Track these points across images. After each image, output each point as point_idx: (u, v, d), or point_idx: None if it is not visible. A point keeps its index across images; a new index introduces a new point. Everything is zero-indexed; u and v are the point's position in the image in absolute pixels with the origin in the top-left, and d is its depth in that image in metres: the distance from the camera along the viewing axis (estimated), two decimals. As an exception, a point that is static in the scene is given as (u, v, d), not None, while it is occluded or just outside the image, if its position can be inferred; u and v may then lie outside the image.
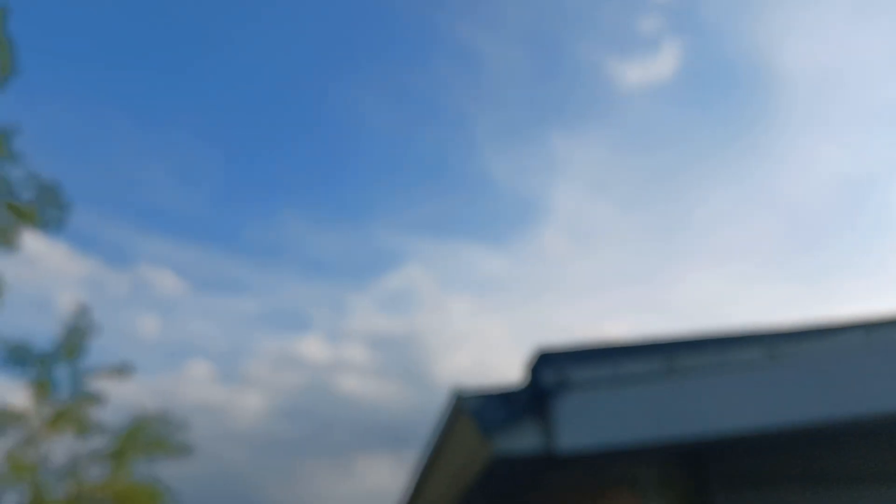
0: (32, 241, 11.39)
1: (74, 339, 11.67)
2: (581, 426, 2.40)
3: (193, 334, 32.68)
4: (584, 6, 36.63)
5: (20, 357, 11.37)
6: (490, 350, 39.40)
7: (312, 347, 36.05)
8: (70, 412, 11.47)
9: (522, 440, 2.40)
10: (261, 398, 32.64)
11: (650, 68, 36.65)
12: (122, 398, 12.09)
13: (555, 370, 2.44)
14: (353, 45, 35.72)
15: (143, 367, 12.08)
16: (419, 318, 38.66)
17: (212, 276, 35.66)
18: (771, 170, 39.13)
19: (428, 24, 34.76)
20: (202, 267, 34.86)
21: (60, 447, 11.54)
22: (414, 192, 39.06)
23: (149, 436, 11.63)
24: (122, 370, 11.71)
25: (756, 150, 37.80)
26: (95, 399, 11.52)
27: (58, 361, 11.57)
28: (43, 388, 11.41)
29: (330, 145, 38.73)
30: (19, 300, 12.09)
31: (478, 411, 2.56)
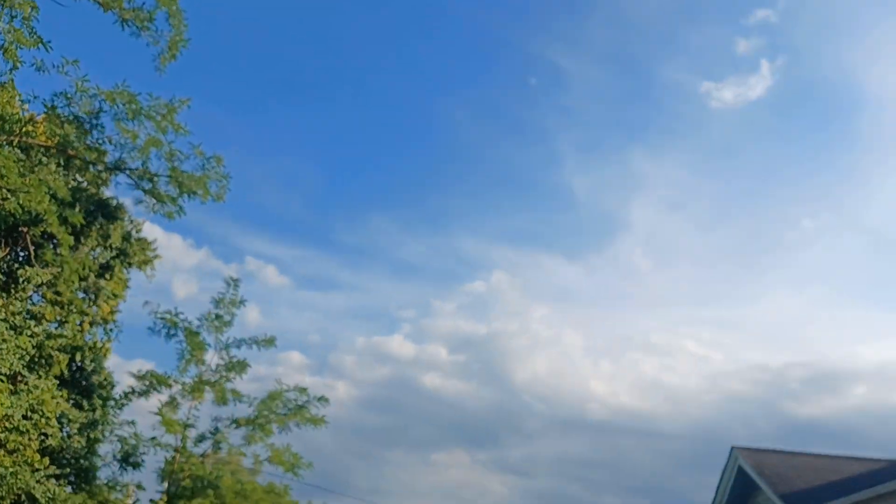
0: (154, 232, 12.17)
1: (222, 312, 12.40)
2: None
3: (290, 325, 33.83)
4: (673, 29, 35.76)
5: (172, 328, 12.18)
6: (565, 357, 38.60)
7: (398, 345, 36.43)
8: (210, 381, 12.13)
9: None
10: (348, 389, 33.28)
11: (740, 89, 35.10)
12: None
13: None
14: (454, 69, 36.49)
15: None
16: (499, 323, 38.18)
17: (309, 274, 36.78)
18: (860, 195, 36.44)
19: (522, 48, 35.07)
20: (301, 265, 36.07)
21: (204, 412, 12.22)
22: (499, 203, 38.78)
23: (286, 406, 12.12)
24: (264, 342, 12.31)
25: (846, 175, 35.03)
26: (239, 368, 12.13)
27: (205, 333, 12.31)
28: (190, 356, 12.15)
29: (423, 158, 39.29)
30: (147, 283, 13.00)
31: None
